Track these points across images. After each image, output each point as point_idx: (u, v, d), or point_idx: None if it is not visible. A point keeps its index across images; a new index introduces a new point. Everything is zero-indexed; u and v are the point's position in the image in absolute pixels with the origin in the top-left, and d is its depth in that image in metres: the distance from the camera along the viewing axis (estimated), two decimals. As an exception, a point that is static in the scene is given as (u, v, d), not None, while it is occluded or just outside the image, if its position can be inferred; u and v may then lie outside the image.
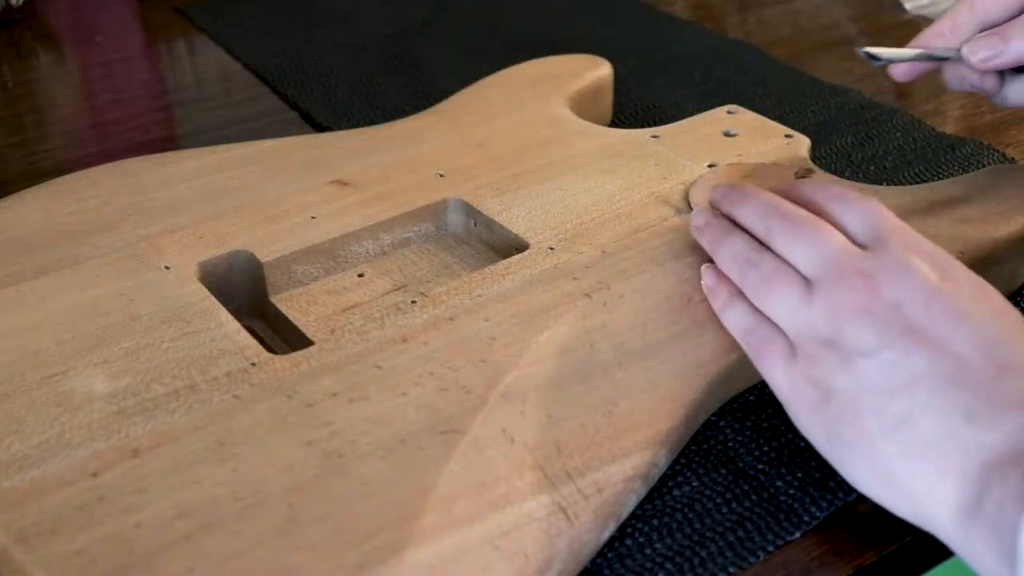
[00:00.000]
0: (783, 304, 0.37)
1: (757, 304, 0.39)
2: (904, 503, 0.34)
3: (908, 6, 0.82)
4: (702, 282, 0.42)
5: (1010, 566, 0.30)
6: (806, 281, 0.37)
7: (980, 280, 0.36)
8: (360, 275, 0.46)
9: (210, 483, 0.34)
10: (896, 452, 0.33)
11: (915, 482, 0.33)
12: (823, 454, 0.36)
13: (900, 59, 0.47)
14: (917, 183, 0.57)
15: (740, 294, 0.40)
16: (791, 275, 0.37)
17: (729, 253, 0.40)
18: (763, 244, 0.40)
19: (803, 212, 0.39)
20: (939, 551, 0.38)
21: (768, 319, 0.38)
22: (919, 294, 0.34)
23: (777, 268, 0.38)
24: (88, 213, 0.47)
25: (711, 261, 0.42)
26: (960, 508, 0.32)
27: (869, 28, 0.79)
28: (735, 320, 0.40)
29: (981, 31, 0.45)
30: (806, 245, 0.37)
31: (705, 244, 0.43)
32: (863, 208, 0.38)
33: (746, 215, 0.41)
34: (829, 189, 0.40)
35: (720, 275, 0.41)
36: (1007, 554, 0.30)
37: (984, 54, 0.44)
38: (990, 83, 0.46)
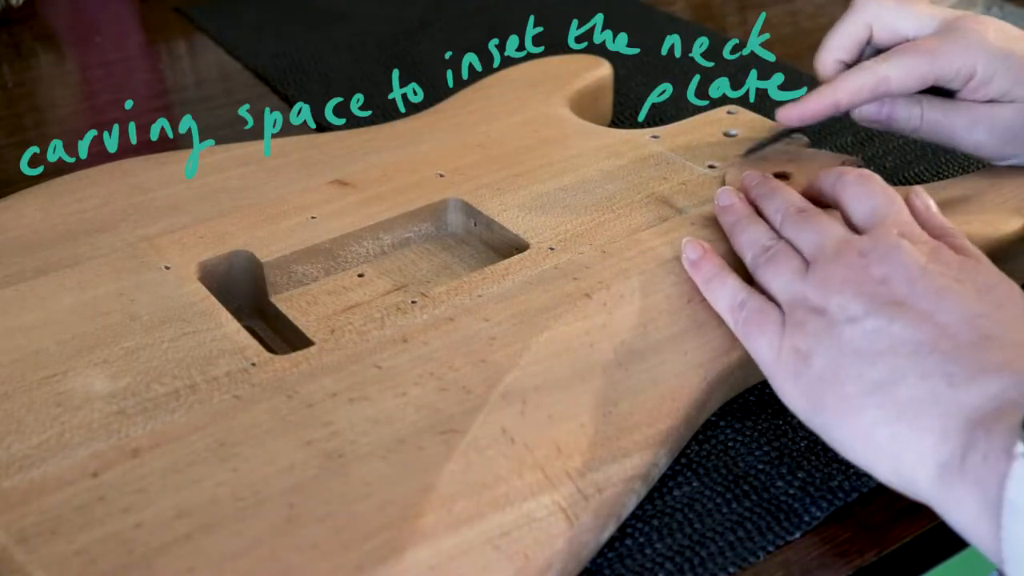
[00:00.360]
0: (781, 277, 0.39)
1: (758, 277, 0.40)
2: (885, 465, 0.34)
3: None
4: (683, 255, 0.43)
5: (994, 517, 0.30)
6: (806, 262, 0.39)
7: (970, 262, 0.37)
8: (360, 275, 0.46)
9: (210, 483, 0.34)
10: (877, 415, 0.34)
11: (896, 444, 0.33)
12: (806, 421, 0.36)
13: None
14: (917, 183, 0.57)
15: (727, 270, 0.41)
16: (793, 254, 0.40)
17: (748, 238, 0.42)
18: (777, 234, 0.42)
19: (816, 208, 0.42)
20: (939, 551, 0.38)
21: (759, 294, 0.40)
22: (905, 272, 0.36)
23: (785, 249, 0.40)
24: (88, 213, 0.47)
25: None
26: (942, 466, 0.32)
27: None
28: (723, 293, 0.40)
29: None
30: (810, 232, 0.40)
31: (724, 223, 0.45)
32: (876, 192, 0.41)
33: (768, 207, 0.44)
34: (856, 171, 0.42)
35: (705, 250, 0.42)
36: (991, 506, 0.30)
37: (871, 119, 0.49)
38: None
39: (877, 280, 0.36)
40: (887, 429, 0.33)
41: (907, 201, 0.42)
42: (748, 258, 0.42)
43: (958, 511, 0.32)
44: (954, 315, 0.34)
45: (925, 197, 0.42)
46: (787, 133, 0.52)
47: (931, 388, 0.33)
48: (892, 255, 0.37)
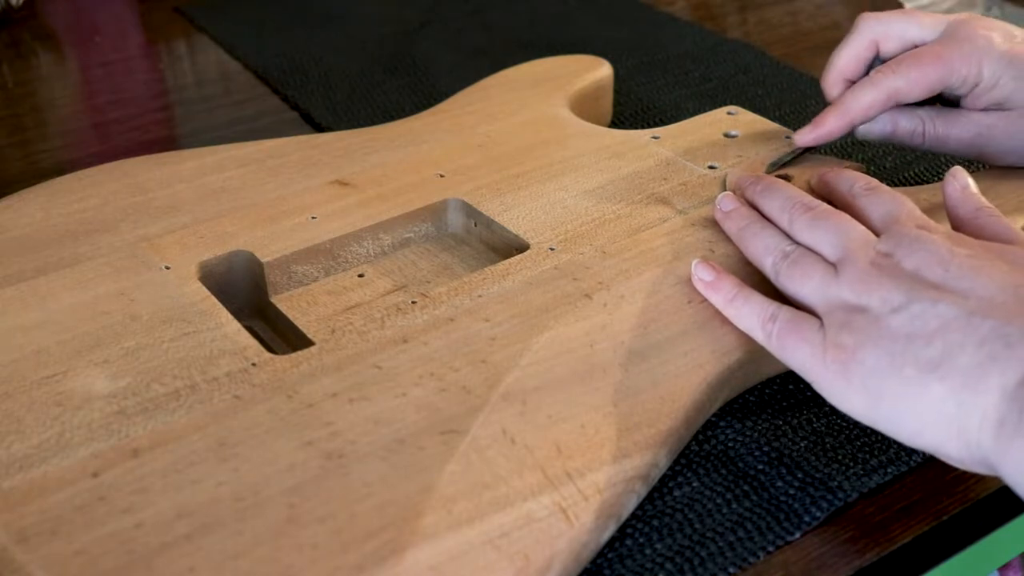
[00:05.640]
0: (810, 282, 0.39)
1: (782, 283, 0.40)
2: (954, 441, 0.34)
3: (908, 6, 0.82)
4: (698, 277, 0.42)
5: None
6: (831, 265, 0.39)
7: (995, 244, 0.37)
8: (360, 275, 0.46)
9: (210, 483, 0.34)
10: (942, 389, 0.34)
11: (963, 413, 0.33)
12: (865, 418, 0.36)
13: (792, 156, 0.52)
14: (917, 183, 0.57)
15: (746, 286, 0.41)
16: (817, 258, 0.40)
17: (762, 245, 0.42)
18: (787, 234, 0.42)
19: (825, 205, 0.42)
20: (939, 552, 0.38)
21: (786, 306, 0.39)
22: (935, 258, 0.36)
23: (805, 253, 0.40)
24: (88, 213, 0.47)
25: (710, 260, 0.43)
26: (1001, 423, 0.32)
27: (869, 28, 0.79)
28: (749, 309, 0.40)
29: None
30: (829, 234, 0.40)
31: (730, 229, 0.45)
32: (889, 199, 0.41)
33: (770, 207, 0.43)
34: (862, 180, 0.43)
35: (718, 269, 0.42)
36: None
37: (876, 137, 0.50)
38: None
39: (911, 273, 0.36)
40: (954, 399, 0.34)
41: (945, 183, 0.42)
42: (768, 264, 0.41)
43: (1017, 465, 0.32)
44: (993, 288, 0.35)
45: (963, 177, 0.42)
46: (807, 149, 0.52)
47: (989, 351, 0.33)
48: (917, 247, 0.37)
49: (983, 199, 0.41)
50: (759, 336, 0.39)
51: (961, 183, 0.42)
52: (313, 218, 0.47)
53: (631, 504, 0.36)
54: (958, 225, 0.41)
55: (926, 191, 0.49)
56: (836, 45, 0.51)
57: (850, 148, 0.61)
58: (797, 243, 0.41)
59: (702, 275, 0.42)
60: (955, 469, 0.39)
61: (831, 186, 0.44)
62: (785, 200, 0.43)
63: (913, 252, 0.37)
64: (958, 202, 0.41)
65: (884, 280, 0.37)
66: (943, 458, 0.35)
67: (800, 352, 0.38)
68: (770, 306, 0.39)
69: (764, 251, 0.42)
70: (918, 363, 0.34)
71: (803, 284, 0.39)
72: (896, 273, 0.37)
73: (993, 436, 0.33)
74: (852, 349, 0.36)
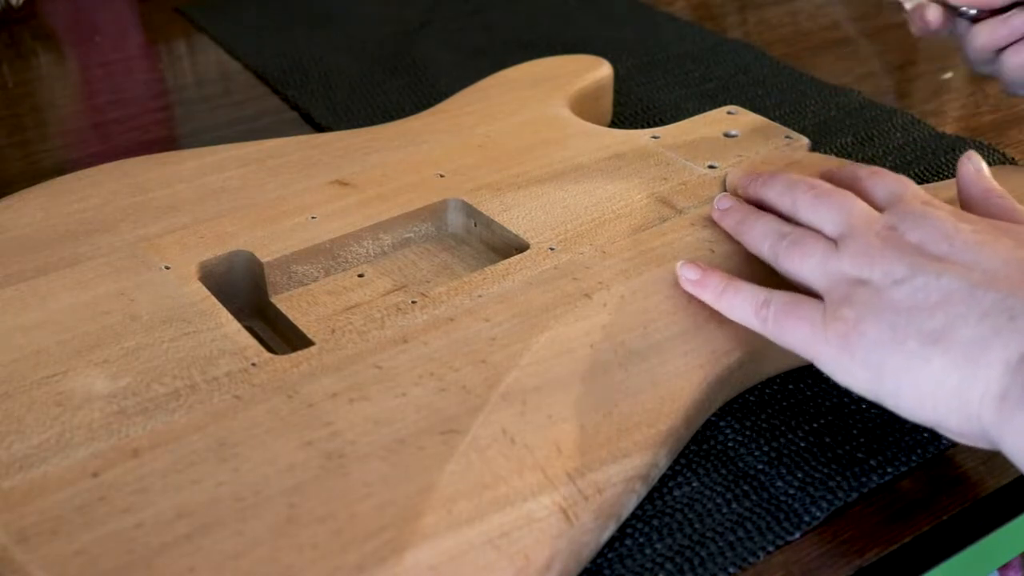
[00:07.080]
0: (811, 258, 0.39)
1: (782, 264, 0.40)
2: (956, 415, 0.34)
3: (908, 6, 0.82)
4: (684, 277, 0.42)
5: None
6: (832, 242, 0.39)
7: (1000, 222, 0.37)
8: (360, 275, 0.46)
9: (210, 483, 0.34)
10: (944, 362, 0.34)
11: (964, 386, 0.33)
12: (869, 393, 0.36)
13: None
14: (917, 183, 0.57)
15: (735, 278, 0.41)
16: (818, 235, 0.39)
17: (759, 231, 0.42)
18: (789, 220, 0.42)
19: (827, 184, 0.41)
20: (939, 551, 0.38)
21: (780, 291, 0.39)
22: (939, 232, 0.36)
23: (805, 233, 0.40)
24: (88, 213, 0.47)
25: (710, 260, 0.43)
26: (1003, 396, 0.32)
27: (869, 28, 0.79)
28: (740, 299, 0.40)
29: None
30: (831, 211, 0.40)
31: (728, 226, 0.45)
32: (893, 180, 0.41)
33: (772, 193, 0.43)
34: (867, 167, 0.43)
35: (703, 266, 0.42)
36: None
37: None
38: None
39: (915, 246, 0.36)
40: (956, 373, 0.33)
41: (960, 164, 0.42)
42: (765, 249, 0.41)
43: (1018, 439, 0.32)
44: (997, 261, 0.35)
45: (977, 160, 0.42)
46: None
47: (992, 324, 0.33)
48: (921, 221, 0.37)
49: (995, 182, 0.41)
50: (755, 324, 0.39)
51: (976, 165, 0.42)
52: (313, 218, 0.47)
53: (631, 504, 0.36)
54: (969, 205, 0.41)
55: (926, 191, 0.49)
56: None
57: (851, 148, 0.61)
58: (797, 224, 0.41)
59: (688, 275, 0.42)
60: (955, 469, 0.39)
61: (835, 180, 0.44)
62: (787, 184, 0.43)
63: (918, 226, 0.37)
64: (970, 183, 0.41)
65: (887, 252, 0.36)
66: (944, 431, 0.35)
67: (799, 331, 0.37)
68: (762, 293, 0.39)
69: (761, 237, 0.42)
70: (920, 335, 0.34)
71: (804, 263, 0.39)
72: (900, 245, 0.36)
73: (995, 409, 0.32)
74: (853, 322, 0.36)
